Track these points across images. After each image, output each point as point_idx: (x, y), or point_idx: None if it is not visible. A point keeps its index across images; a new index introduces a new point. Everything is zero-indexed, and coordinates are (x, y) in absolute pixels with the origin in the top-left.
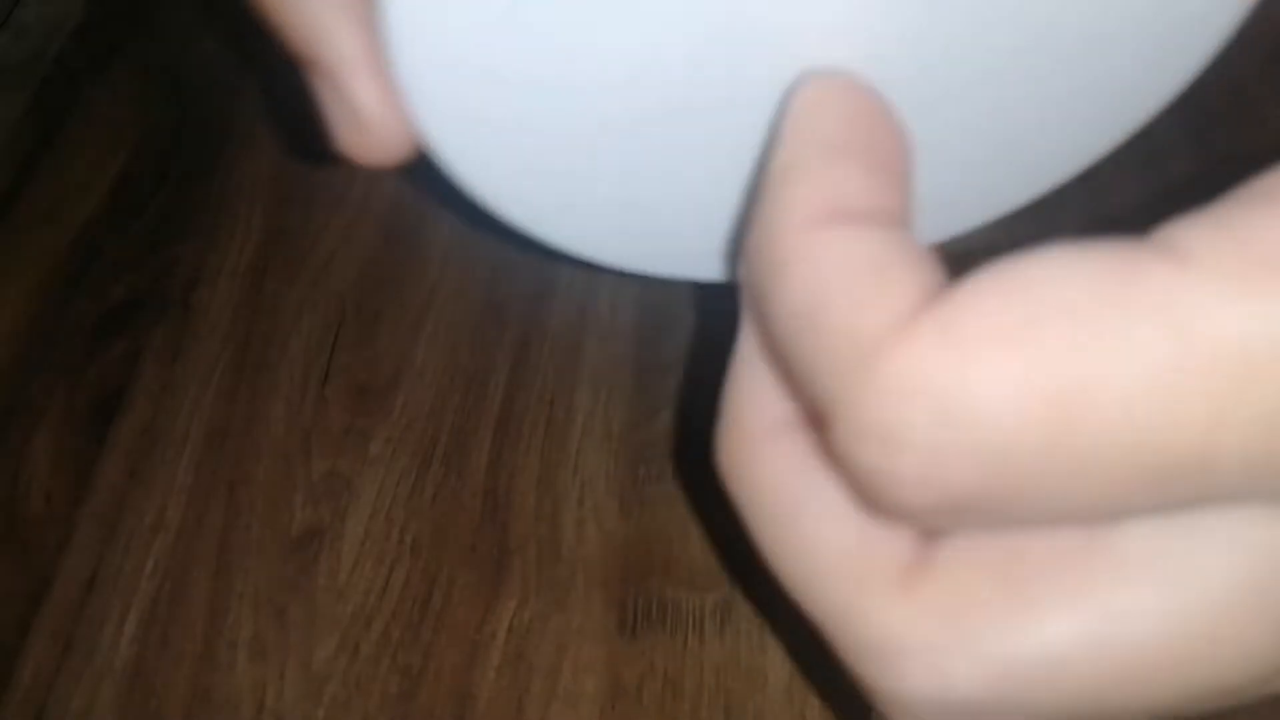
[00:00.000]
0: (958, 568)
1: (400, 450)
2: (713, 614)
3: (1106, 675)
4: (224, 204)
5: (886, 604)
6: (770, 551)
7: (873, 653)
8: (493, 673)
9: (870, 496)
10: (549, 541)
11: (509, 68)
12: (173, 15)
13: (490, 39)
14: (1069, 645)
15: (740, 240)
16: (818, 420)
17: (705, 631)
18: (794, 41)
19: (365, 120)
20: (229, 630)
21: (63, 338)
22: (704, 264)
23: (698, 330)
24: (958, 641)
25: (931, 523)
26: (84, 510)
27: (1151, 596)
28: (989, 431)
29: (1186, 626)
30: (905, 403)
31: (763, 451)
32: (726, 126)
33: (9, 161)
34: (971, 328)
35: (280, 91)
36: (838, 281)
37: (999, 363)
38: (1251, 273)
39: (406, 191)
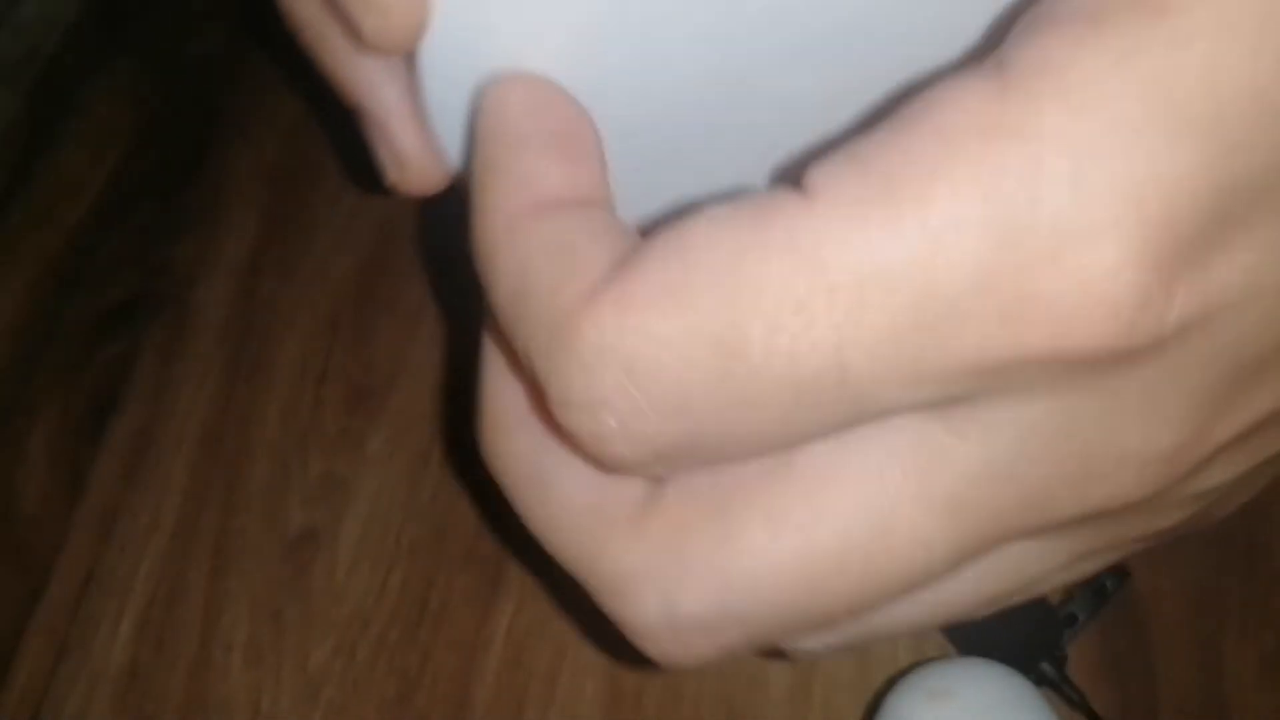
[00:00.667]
0: (675, 506)
1: (398, 451)
2: None
3: (805, 581)
4: (220, 203)
5: (620, 546)
6: (528, 520)
7: (613, 589)
8: (491, 676)
9: (592, 456)
10: None
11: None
12: (168, 13)
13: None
14: (770, 558)
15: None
16: (540, 398)
17: None
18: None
19: (405, 160)
20: (224, 633)
21: (58, 338)
22: None
23: None
24: (678, 568)
25: (650, 471)
26: (79, 511)
27: (831, 506)
28: (665, 383)
29: (863, 524)
30: (595, 369)
31: (511, 435)
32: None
33: (4, 160)
34: (639, 293)
35: (347, 131)
36: (534, 267)
37: (664, 321)
38: (866, 201)
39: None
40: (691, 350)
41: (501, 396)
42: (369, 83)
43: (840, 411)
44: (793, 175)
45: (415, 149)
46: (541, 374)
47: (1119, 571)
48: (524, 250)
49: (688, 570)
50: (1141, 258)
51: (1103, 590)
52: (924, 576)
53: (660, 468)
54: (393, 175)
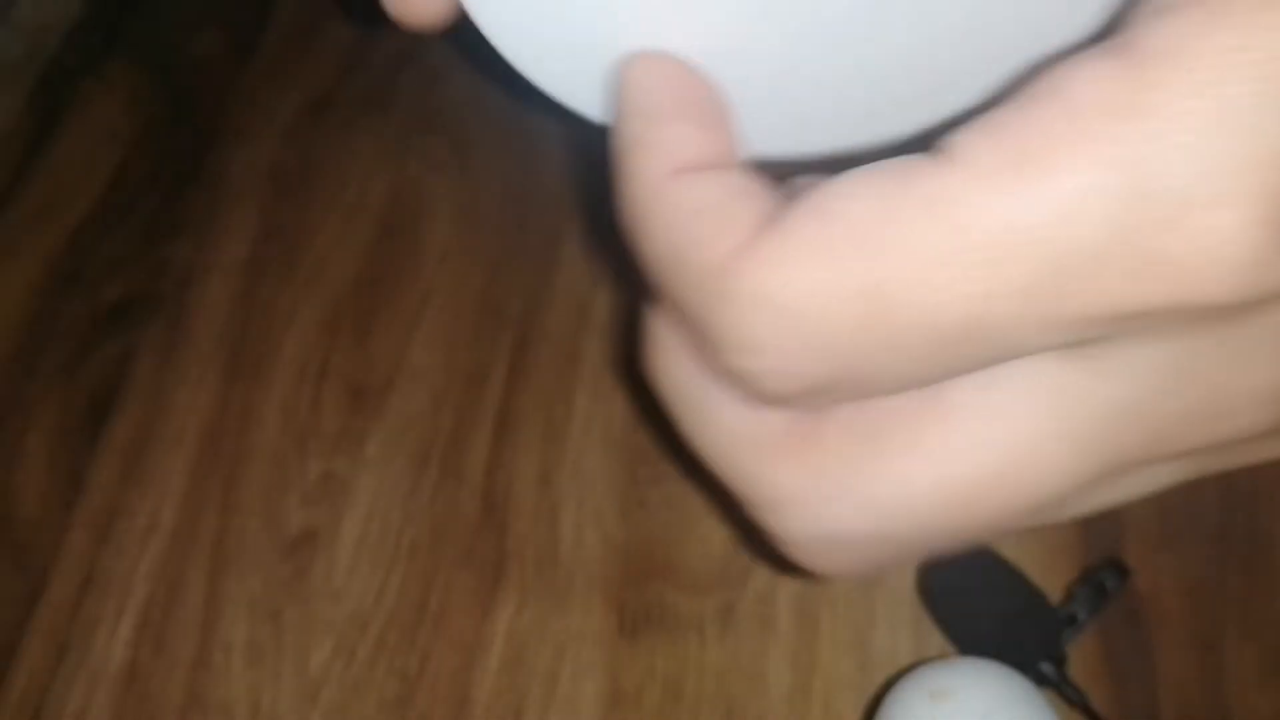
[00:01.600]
0: (827, 434)
1: (397, 452)
2: (713, 618)
3: (946, 503)
4: (219, 203)
5: (776, 468)
6: (689, 436)
7: (768, 505)
8: (491, 677)
9: (749, 393)
10: (547, 544)
11: None
12: (169, 14)
13: None
14: (914, 484)
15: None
16: (695, 345)
17: (706, 635)
18: None
19: None
20: (224, 633)
21: (57, 337)
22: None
23: None
24: (829, 490)
25: (800, 406)
26: (78, 512)
27: (974, 435)
28: (815, 329)
29: (1005, 455)
30: (751, 315)
31: (676, 363)
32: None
33: (4, 160)
34: (791, 246)
35: None
36: (685, 226)
37: (814, 272)
38: (1004, 168)
39: (403, 190)
40: (840, 300)
41: (667, 329)
42: None
43: (980, 355)
44: (923, 145)
45: None
46: (698, 323)
47: (1119, 571)
48: (674, 211)
49: (837, 492)
50: (1257, 222)
51: (1103, 590)
52: (1054, 503)
53: (810, 403)
54: (393, 6)
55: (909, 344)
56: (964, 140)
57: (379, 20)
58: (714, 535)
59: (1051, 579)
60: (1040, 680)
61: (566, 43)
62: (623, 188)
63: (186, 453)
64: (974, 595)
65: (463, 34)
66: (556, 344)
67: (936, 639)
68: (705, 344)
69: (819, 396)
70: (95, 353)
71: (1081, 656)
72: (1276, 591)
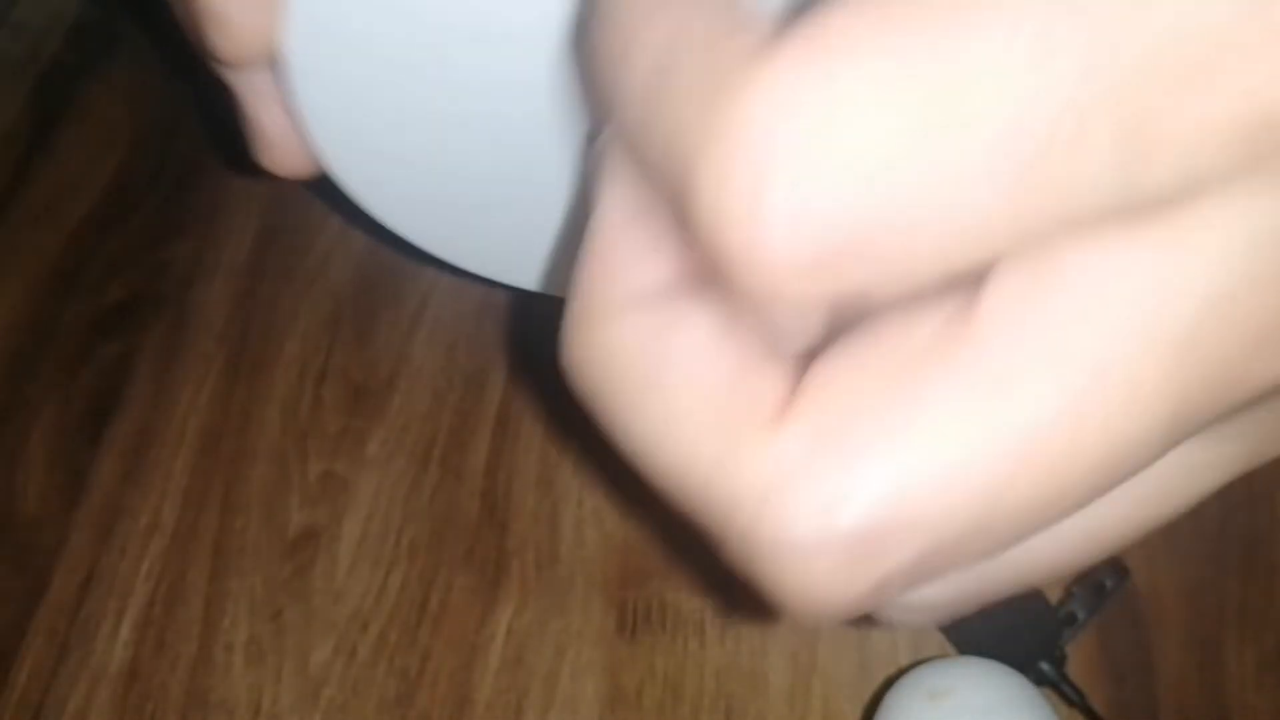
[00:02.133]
0: (830, 385)
1: (397, 451)
2: (713, 617)
3: (994, 481)
4: (220, 203)
5: (759, 445)
6: (629, 428)
7: (754, 502)
8: (491, 676)
9: (737, 274)
10: (548, 543)
11: (381, 103)
12: (168, 14)
13: (367, 80)
14: (953, 450)
15: (584, 70)
16: (679, 227)
17: (706, 635)
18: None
19: (268, 141)
20: (225, 633)
21: (58, 338)
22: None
23: None
24: (837, 464)
25: (799, 306)
26: (79, 512)
27: (1026, 374)
28: (855, 146)
29: (1071, 388)
30: (772, 125)
31: (618, 324)
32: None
33: (4, 160)
34: (827, 38)
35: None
36: (686, 30)
37: (861, 67)
38: None
39: None
40: (897, 101)
41: (604, 278)
42: (235, 61)
43: (1048, 202)
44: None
45: (277, 129)
46: (690, 154)
47: (1118, 570)
48: (672, 14)
49: (851, 471)
50: None
51: (1102, 589)
52: (1129, 460)
53: (812, 297)
54: (258, 155)
55: (970, 180)
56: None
57: (255, 169)
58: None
59: None
60: (1039, 680)
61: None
62: (601, 20)
63: (187, 452)
64: None
65: None
66: (557, 344)
67: (935, 638)
68: (692, 200)
69: (829, 278)
70: (96, 353)
71: (1081, 656)
72: (1275, 591)
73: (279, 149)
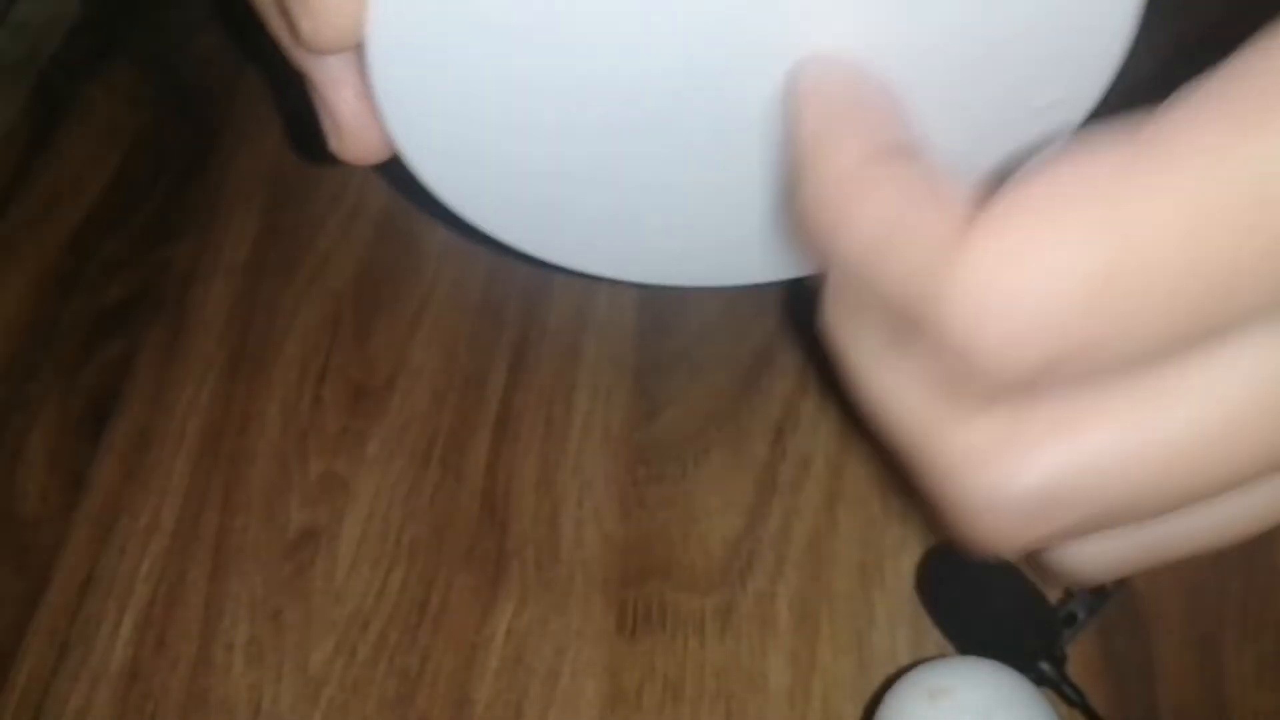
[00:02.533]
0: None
1: (397, 451)
2: (713, 616)
3: (1144, 475)
4: (220, 203)
5: (962, 421)
6: (866, 389)
7: (951, 462)
8: (491, 676)
9: (966, 378)
10: (548, 543)
11: (473, 86)
12: (169, 13)
13: (455, 59)
14: (1112, 452)
15: (793, 227)
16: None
17: (706, 634)
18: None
19: (344, 128)
20: (225, 632)
21: (58, 337)
22: (668, 268)
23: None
24: (1021, 445)
25: (1016, 393)
26: (79, 511)
27: (1182, 409)
28: (1053, 305)
29: (1208, 431)
30: (986, 284)
31: (862, 311)
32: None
33: (4, 160)
34: (1021, 221)
35: (285, 92)
36: (902, 204)
37: (1051, 241)
38: (1242, 116)
39: (403, 190)
40: (1076, 274)
41: (853, 303)
42: (313, 56)
43: (1214, 323)
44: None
45: (354, 119)
46: (919, 298)
47: None
48: (883, 195)
49: (1030, 448)
50: None
51: (1102, 589)
52: (1235, 482)
53: (1027, 389)
54: (332, 142)
55: (1147, 317)
56: (1176, 112)
57: (327, 156)
58: (714, 534)
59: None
60: (1039, 680)
61: (483, 176)
62: (812, 187)
63: (188, 452)
64: (973, 594)
65: None
66: (556, 344)
67: (935, 638)
68: (925, 327)
69: (1039, 381)
70: (96, 353)
71: (1081, 656)
72: (1275, 591)
73: (353, 135)
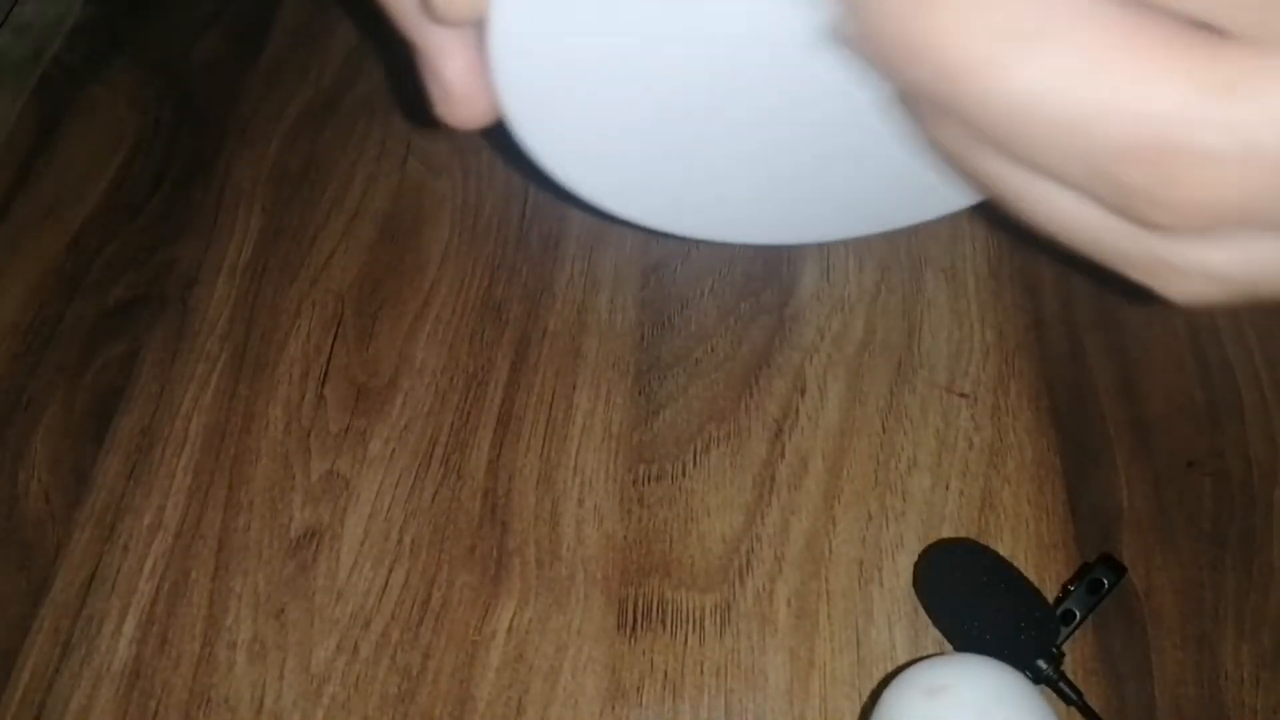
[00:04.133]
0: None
1: (399, 450)
2: (713, 614)
3: None
4: (222, 203)
5: (1174, 78)
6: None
7: (1164, 121)
8: (492, 673)
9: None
10: (548, 542)
11: (581, 58)
12: (172, 15)
13: (568, 34)
14: None
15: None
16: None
17: (705, 632)
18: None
19: (454, 95)
20: (228, 631)
21: (61, 337)
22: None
23: None
24: (1246, 98)
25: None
26: (83, 510)
27: None
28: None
29: None
30: (1257, 135)
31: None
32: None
33: (8, 160)
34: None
35: (402, 65)
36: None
37: None
38: None
39: (405, 190)
40: None
41: None
42: (420, 17)
43: None
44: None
45: (461, 86)
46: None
47: (1115, 569)
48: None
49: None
50: None
51: (1099, 587)
52: None
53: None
54: (440, 108)
55: None
56: None
57: (433, 121)
58: (713, 533)
59: (1048, 576)
60: (1037, 677)
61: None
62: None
63: (190, 451)
64: (970, 592)
65: None
66: (557, 344)
67: (933, 635)
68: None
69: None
70: (100, 352)
71: (1078, 654)
72: (1272, 590)
73: (462, 101)
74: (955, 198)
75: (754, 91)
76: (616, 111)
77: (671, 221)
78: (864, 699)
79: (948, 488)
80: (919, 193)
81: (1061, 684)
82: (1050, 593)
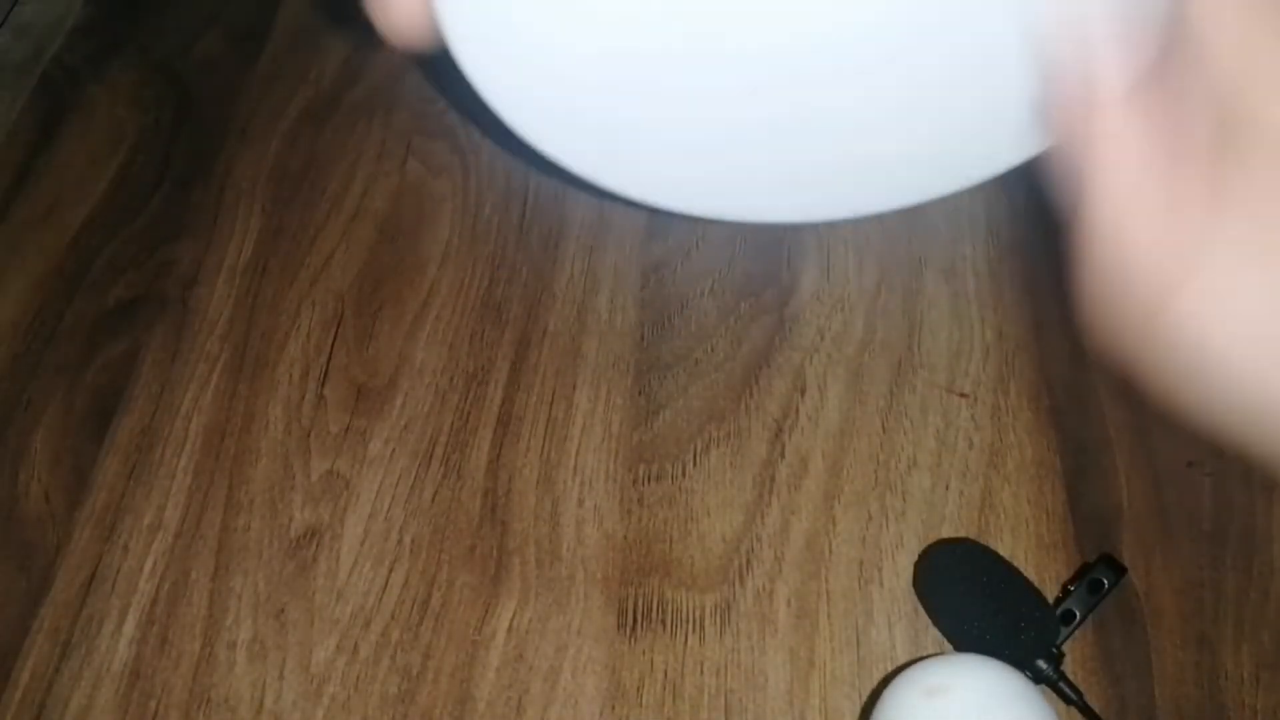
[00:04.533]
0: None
1: (399, 450)
2: (713, 614)
3: None
4: (222, 203)
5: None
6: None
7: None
8: (492, 673)
9: None
10: (548, 542)
11: None
12: (172, 14)
13: None
14: None
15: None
16: None
17: (705, 632)
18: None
19: (390, 4)
20: (228, 630)
21: (61, 337)
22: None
23: None
24: None
25: None
26: (83, 510)
27: None
28: None
29: None
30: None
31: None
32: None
33: (8, 160)
34: None
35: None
36: None
37: None
38: None
39: (405, 190)
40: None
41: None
42: None
43: None
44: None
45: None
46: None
47: (1115, 569)
48: None
49: None
50: None
51: (1100, 588)
52: None
53: None
54: (378, 17)
55: None
56: None
57: (374, 36)
58: (713, 533)
59: (1048, 576)
60: (1037, 677)
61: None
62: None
63: (191, 452)
64: (970, 592)
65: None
66: (557, 344)
67: (933, 635)
68: None
69: None
70: (100, 353)
71: (1078, 654)
72: (1272, 590)
73: (397, 9)
74: (956, 177)
75: (748, 25)
76: (571, 39)
77: (650, 189)
78: (864, 699)
79: (948, 488)
80: (930, 165)
81: (1061, 684)
82: (1050, 593)
